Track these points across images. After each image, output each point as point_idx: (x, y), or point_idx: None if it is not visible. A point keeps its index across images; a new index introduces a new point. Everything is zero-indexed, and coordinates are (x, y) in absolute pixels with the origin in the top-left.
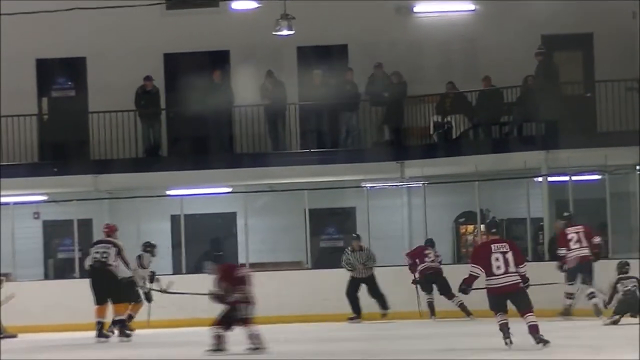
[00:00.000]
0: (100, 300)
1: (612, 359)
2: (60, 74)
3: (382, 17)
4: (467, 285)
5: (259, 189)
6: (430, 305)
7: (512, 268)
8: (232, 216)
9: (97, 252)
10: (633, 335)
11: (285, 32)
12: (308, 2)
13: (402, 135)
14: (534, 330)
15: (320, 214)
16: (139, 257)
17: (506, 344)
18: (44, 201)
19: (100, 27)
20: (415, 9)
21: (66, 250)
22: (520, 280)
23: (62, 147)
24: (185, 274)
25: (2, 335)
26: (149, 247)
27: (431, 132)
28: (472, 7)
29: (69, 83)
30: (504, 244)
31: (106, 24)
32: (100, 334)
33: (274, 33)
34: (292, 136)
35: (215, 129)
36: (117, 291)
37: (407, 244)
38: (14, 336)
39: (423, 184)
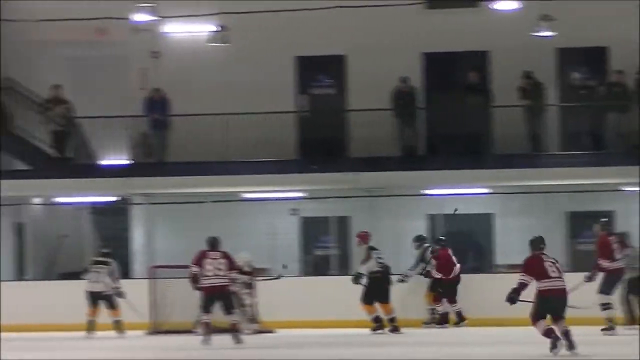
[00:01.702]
0: (374, 300)
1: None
2: (320, 72)
3: None
4: None
5: (516, 191)
6: None
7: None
8: (488, 217)
9: (379, 257)
10: None
11: (544, 33)
12: (569, 2)
13: None
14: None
15: (578, 216)
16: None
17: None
18: (303, 198)
19: (360, 25)
20: None
21: (323, 247)
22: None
23: (321, 144)
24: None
25: (258, 331)
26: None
27: None
28: None
29: (329, 80)
30: None
31: (366, 22)
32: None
33: (533, 34)
34: (552, 138)
35: (474, 129)
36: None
37: None
38: (270, 331)
39: None
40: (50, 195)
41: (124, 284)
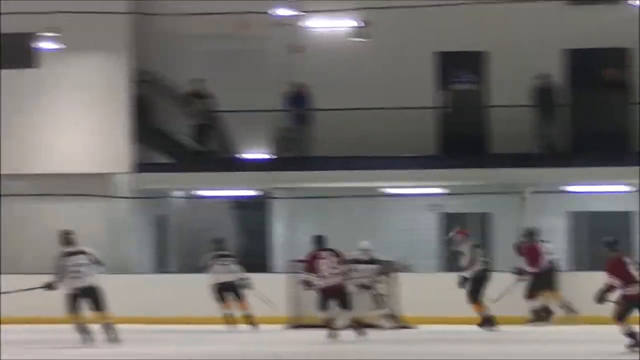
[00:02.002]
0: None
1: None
2: (462, 67)
3: None
4: None
5: None
6: None
7: None
8: (627, 215)
9: (482, 256)
10: None
11: None
12: None
13: None
14: None
15: None
16: None
17: None
18: (442, 194)
19: (501, 21)
20: None
21: None
22: None
23: (461, 140)
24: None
25: (398, 326)
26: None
27: None
28: None
29: (470, 76)
30: None
31: (507, 18)
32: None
33: None
34: None
35: (614, 126)
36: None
37: None
38: (410, 327)
39: None
40: (191, 188)
41: (262, 279)
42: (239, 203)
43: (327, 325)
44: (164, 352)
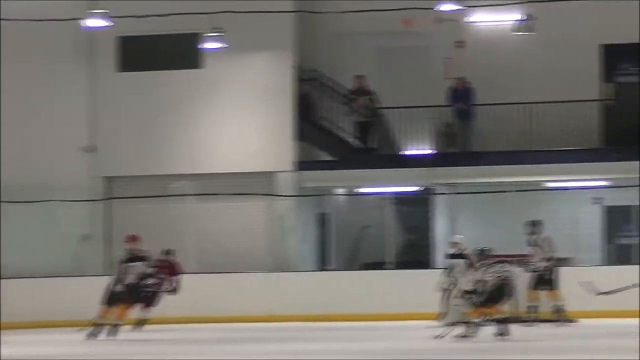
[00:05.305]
0: None
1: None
2: (627, 60)
3: None
4: None
5: None
6: None
7: None
8: None
9: None
10: None
11: None
12: None
13: None
14: None
15: None
16: None
17: None
18: (605, 186)
19: None
20: None
21: (627, 236)
22: None
23: (627, 132)
24: None
25: (565, 320)
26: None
27: None
28: None
29: (635, 69)
30: None
31: None
32: None
33: None
34: None
35: None
36: None
37: None
38: (572, 321)
39: None
40: (353, 185)
41: (424, 274)
42: (401, 199)
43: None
44: (348, 349)
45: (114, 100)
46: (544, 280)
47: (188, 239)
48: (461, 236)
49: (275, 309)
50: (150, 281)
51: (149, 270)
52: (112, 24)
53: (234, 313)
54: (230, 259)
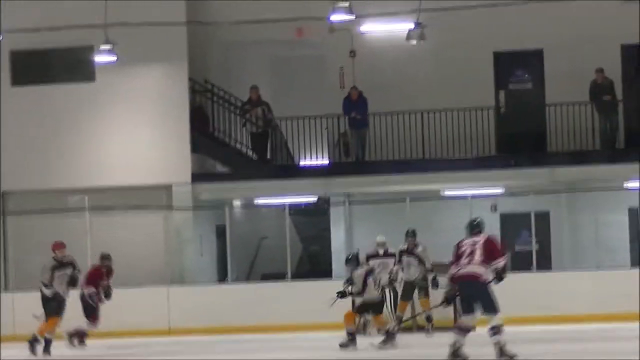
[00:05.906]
0: None
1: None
2: (518, 67)
3: None
4: None
5: None
6: None
7: None
8: None
9: None
10: None
11: None
12: None
13: None
14: None
15: None
16: None
17: None
18: (501, 194)
19: (556, 18)
20: None
21: (523, 243)
22: None
23: (519, 139)
24: None
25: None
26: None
27: None
28: None
29: (526, 75)
30: None
31: (562, 15)
32: None
33: None
34: None
35: None
36: None
37: None
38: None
39: None
40: (250, 196)
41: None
42: (298, 210)
43: None
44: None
45: (8, 115)
46: (420, 289)
47: (84, 254)
48: (383, 236)
49: (174, 323)
50: (87, 291)
51: (79, 276)
52: (1, 38)
53: (132, 327)
54: (127, 273)
